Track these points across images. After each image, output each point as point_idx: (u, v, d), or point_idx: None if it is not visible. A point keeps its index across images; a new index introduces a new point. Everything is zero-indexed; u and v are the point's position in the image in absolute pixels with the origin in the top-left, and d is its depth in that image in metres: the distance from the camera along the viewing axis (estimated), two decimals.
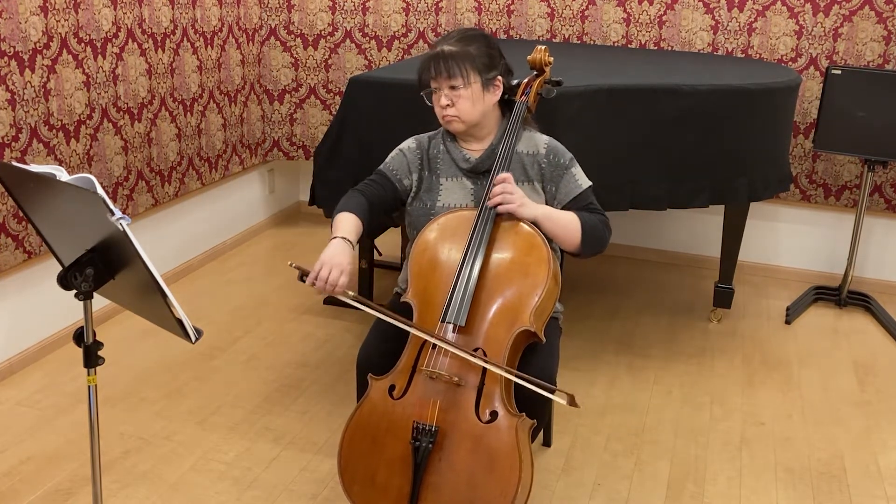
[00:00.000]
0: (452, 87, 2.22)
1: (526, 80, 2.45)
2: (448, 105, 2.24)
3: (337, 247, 2.11)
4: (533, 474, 2.06)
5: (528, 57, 2.48)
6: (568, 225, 2.25)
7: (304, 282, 2.07)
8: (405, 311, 2.16)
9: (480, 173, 2.31)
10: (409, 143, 2.41)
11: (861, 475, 2.72)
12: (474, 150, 2.33)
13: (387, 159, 2.40)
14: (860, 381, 3.31)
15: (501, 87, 2.30)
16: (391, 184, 2.36)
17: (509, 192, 2.18)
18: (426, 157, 2.37)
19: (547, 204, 2.31)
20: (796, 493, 2.62)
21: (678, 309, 3.90)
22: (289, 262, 2.11)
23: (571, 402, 1.99)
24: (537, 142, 2.35)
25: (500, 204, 2.18)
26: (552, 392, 2.04)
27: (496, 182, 2.20)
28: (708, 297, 3.85)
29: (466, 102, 2.23)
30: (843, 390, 3.24)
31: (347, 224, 2.19)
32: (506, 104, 2.37)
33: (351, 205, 2.25)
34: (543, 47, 2.48)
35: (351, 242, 2.15)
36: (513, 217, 2.21)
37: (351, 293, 2.06)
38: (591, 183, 2.35)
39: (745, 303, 3.97)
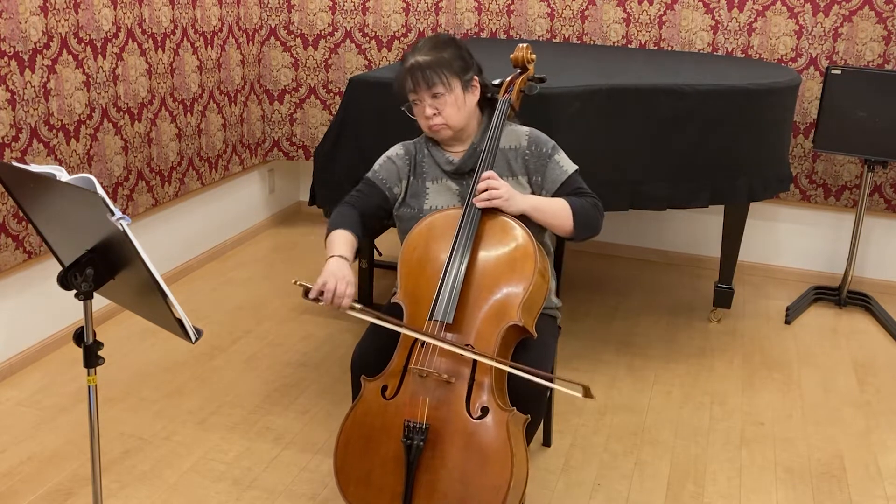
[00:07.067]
0: (435, 96, 2.22)
1: (509, 79, 2.46)
2: (435, 114, 2.24)
3: (336, 262, 2.14)
4: (528, 470, 2.06)
5: (511, 55, 2.50)
6: (558, 213, 2.25)
7: (308, 298, 2.08)
8: (396, 312, 2.16)
9: (465, 174, 2.31)
10: (397, 150, 2.40)
11: (861, 475, 2.72)
12: (457, 153, 2.33)
13: (375, 167, 2.39)
14: (860, 381, 3.31)
15: (479, 86, 2.31)
16: (381, 192, 2.35)
17: (495, 187, 2.17)
18: (414, 162, 2.37)
19: (534, 194, 2.30)
20: (796, 493, 2.62)
21: (678, 309, 3.90)
22: (293, 280, 2.12)
23: (587, 393, 1.97)
24: (519, 135, 2.35)
25: (487, 201, 2.17)
26: (551, 381, 2.04)
27: (481, 180, 2.19)
28: (708, 297, 3.85)
29: (451, 108, 2.24)
30: (843, 390, 3.24)
31: (341, 242, 2.21)
32: (486, 102, 2.37)
33: (344, 221, 2.27)
34: (525, 45, 2.50)
35: (347, 259, 2.17)
36: (499, 214, 2.20)
37: (357, 305, 2.08)
38: (577, 167, 2.34)
39: (745, 303, 3.97)
